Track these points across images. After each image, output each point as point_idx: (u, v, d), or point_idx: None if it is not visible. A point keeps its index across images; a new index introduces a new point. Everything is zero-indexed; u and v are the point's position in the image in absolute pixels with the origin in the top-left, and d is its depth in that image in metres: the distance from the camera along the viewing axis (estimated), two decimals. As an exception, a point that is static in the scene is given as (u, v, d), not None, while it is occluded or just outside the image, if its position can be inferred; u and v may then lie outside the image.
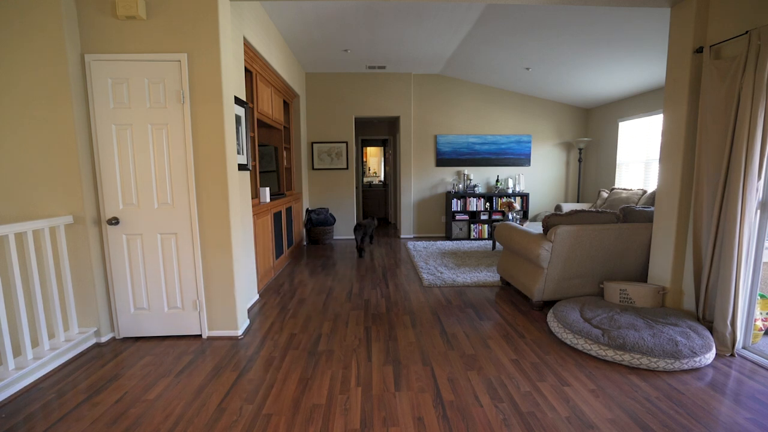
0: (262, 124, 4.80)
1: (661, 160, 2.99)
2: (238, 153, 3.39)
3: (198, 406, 2.02)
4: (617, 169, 6.28)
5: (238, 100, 3.30)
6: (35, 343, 2.55)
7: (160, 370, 2.40)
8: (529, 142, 7.03)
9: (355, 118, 7.15)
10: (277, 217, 4.76)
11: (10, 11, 2.44)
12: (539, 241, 3.21)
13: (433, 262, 5.01)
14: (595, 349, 2.48)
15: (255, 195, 4.22)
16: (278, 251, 4.78)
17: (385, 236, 7.30)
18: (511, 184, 7.02)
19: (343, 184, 6.90)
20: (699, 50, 2.66)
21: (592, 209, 3.37)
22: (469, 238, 6.81)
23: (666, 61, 2.96)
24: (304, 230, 6.58)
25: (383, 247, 6.22)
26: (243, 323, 3.00)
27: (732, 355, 2.49)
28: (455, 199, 6.69)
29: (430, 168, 7.03)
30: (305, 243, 6.61)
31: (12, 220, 2.58)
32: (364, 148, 10.40)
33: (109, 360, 2.54)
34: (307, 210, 6.63)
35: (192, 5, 2.60)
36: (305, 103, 6.64)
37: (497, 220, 6.76)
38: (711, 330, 2.58)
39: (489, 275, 4.40)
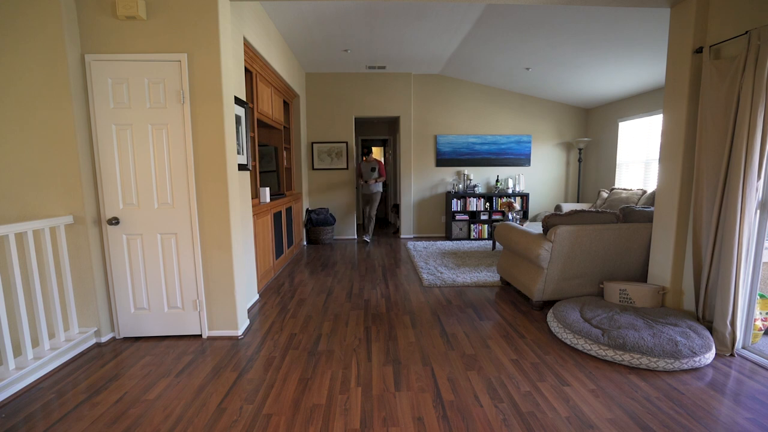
0: (262, 124, 4.80)
1: (661, 160, 2.99)
2: (238, 153, 3.39)
3: (198, 406, 2.02)
4: (617, 169, 6.28)
5: (238, 100, 3.31)
6: (35, 342, 2.55)
7: (160, 370, 2.41)
8: (529, 142, 7.03)
9: (355, 118, 7.16)
10: (277, 217, 4.76)
11: (9, 11, 2.44)
12: (539, 241, 3.22)
13: (433, 262, 5.01)
14: (595, 349, 2.48)
15: (255, 195, 4.23)
16: (278, 251, 4.78)
17: (385, 236, 7.30)
18: (511, 184, 7.02)
19: (343, 184, 6.90)
20: (699, 50, 2.66)
21: (592, 209, 3.37)
22: (469, 238, 6.81)
23: (666, 61, 2.96)
24: (304, 230, 6.58)
25: (383, 247, 6.22)
26: (243, 323, 3.00)
27: (732, 355, 2.49)
28: (455, 199, 6.69)
29: (430, 168, 7.03)
30: (305, 243, 6.61)
31: (12, 220, 2.58)
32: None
33: (109, 360, 2.54)
34: (307, 210, 6.63)
35: (192, 5, 2.60)
36: (305, 103, 6.65)
37: (497, 220, 6.76)
38: (711, 330, 2.58)
39: (489, 275, 4.41)
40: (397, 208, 7.49)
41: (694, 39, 2.69)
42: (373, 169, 6.34)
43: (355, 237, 7.06)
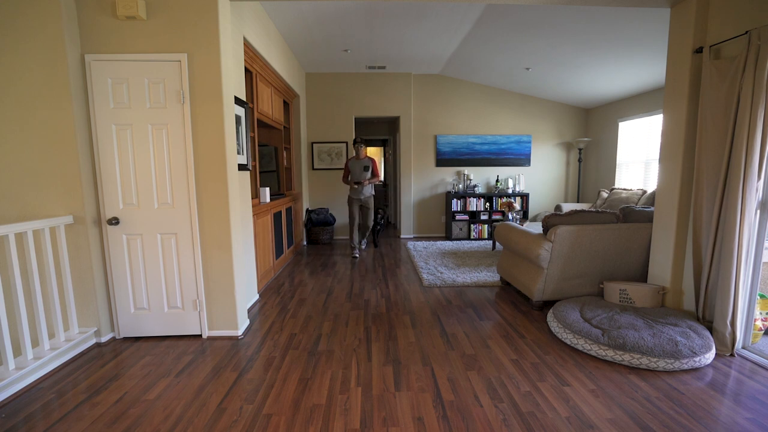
0: (262, 124, 4.80)
1: (661, 160, 2.99)
2: (238, 153, 3.39)
3: (198, 406, 2.02)
4: (617, 169, 6.28)
5: (238, 100, 3.30)
6: (35, 342, 2.55)
7: (160, 370, 2.40)
8: (529, 142, 7.03)
9: (355, 118, 7.16)
10: (277, 217, 4.76)
11: (9, 11, 2.44)
12: (539, 241, 3.21)
13: (433, 262, 5.01)
14: (595, 349, 2.48)
15: (255, 195, 4.22)
16: (278, 251, 4.78)
17: (385, 236, 7.30)
18: (511, 184, 7.02)
19: (343, 184, 6.89)
20: (699, 50, 2.66)
21: (592, 209, 3.37)
22: (469, 238, 6.81)
23: (666, 61, 2.96)
24: (304, 230, 6.58)
25: (383, 247, 6.22)
26: (243, 323, 3.00)
27: (732, 355, 2.49)
28: (455, 199, 6.69)
29: (430, 168, 7.03)
30: (305, 243, 6.61)
31: (12, 220, 2.58)
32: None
33: (109, 360, 2.54)
34: (307, 210, 6.63)
35: (192, 5, 2.60)
36: (305, 103, 6.64)
37: (497, 220, 6.76)
38: (711, 330, 2.58)
39: (489, 275, 4.40)
40: (375, 227, 6.25)
41: (694, 39, 2.69)
42: (366, 168, 5.27)
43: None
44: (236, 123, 3.21)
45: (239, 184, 3.14)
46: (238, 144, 3.39)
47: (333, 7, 4.07)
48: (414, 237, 7.12)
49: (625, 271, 3.33)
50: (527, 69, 5.69)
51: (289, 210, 5.39)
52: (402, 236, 7.11)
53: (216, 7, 2.61)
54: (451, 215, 6.73)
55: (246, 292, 3.35)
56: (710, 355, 2.36)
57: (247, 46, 3.74)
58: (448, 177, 7.07)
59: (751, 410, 1.93)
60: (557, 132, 7.09)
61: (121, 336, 2.86)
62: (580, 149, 6.94)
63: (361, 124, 8.98)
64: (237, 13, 3.32)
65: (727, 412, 1.92)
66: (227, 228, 2.81)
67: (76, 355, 2.59)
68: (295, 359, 2.52)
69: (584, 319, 2.74)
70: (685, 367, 2.30)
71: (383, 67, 6.39)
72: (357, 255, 5.41)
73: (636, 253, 3.28)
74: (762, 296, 2.62)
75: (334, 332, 2.93)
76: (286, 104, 5.90)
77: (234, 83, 3.19)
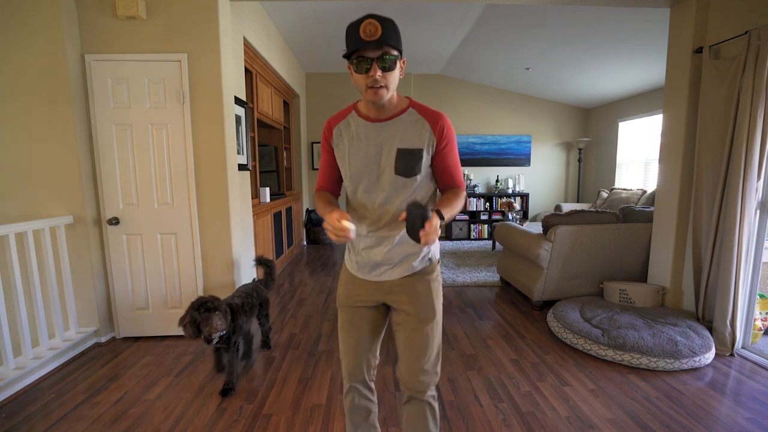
0: (262, 124, 4.80)
1: (661, 160, 2.99)
2: (238, 153, 3.39)
3: (198, 406, 2.02)
4: (617, 169, 6.28)
5: (238, 100, 3.30)
6: (35, 342, 2.54)
7: (160, 370, 2.40)
8: (529, 142, 7.03)
9: (355, 118, 7.17)
10: (277, 217, 4.76)
11: (10, 11, 2.44)
12: (539, 241, 3.21)
13: (433, 262, 5.00)
14: (594, 349, 2.48)
15: (255, 195, 4.22)
16: (278, 251, 4.78)
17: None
18: (511, 184, 7.02)
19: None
20: (699, 50, 2.66)
21: (592, 209, 3.37)
22: (469, 238, 6.81)
23: (666, 61, 2.96)
24: (304, 230, 6.58)
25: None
26: (243, 323, 3.00)
27: (731, 354, 2.49)
28: (455, 199, 6.68)
29: (430, 168, 7.02)
30: (305, 243, 6.61)
31: (12, 220, 2.58)
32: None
33: (109, 360, 2.54)
34: (307, 210, 6.63)
35: (192, 5, 2.60)
36: (305, 103, 6.64)
37: (497, 220, 6.76)
38: (710, 330, 2.58)
39: (489, 275, 4.40)
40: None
41: (694, 39, 2.69)
42: (411, 160, 1.15)
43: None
44: (236, 123, 3.21)
45: (239, 184, 3.14)
46: (238, 144, 3.38)
47: (333, 7, 4.07)
48: (414, 237, 7.11)
49: (625, 271, 3.33)
50: (527, 69, 5.68)
51: (289, 210, 5.39)
52: (402, 236, 7.10)
53: (216, 7, 2.61)
54: (451, 215, 6.72)
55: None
56: (710, 355, 2.36)
57: (247, 46, 3.74)
58: (448, 177, 7.05)
59: (751, 410, 1.93)
60: (557, 132, 7.09)
61: (121, 336, 2.86)
62: (580, 149, 6.94)
63: (361, 124, 8.99)
64: (237, 13, 3.32)
65: (727, 412, 1.92)
66: (227, 228, 2.81)
67: (76, 355, 2.59)
68: (295, 359, 2.52)
69: (584, 319, 2.74)
70: (685, 367, 2.30)
71: (383, 67, 6.38)
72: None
73: (636, 253, 3.28)
74: (762, 296, 2.62)
75: (334, 332, 2.93)
76: (286, 104, 5.90)
77: (234, 83, 3.19)
